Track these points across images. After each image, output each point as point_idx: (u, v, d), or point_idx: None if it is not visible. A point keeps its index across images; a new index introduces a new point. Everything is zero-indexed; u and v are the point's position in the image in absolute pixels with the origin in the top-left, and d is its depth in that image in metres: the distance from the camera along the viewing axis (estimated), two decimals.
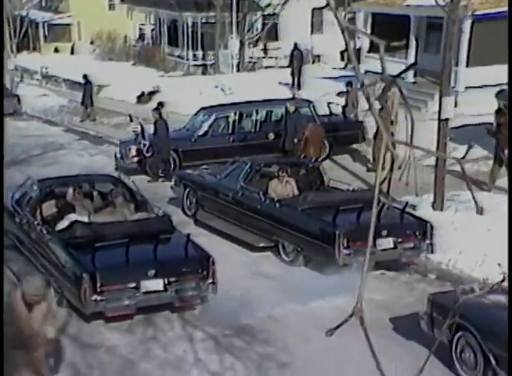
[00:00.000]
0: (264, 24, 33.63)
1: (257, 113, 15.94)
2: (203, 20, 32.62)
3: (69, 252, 8.39)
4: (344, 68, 27.17)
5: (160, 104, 15.60)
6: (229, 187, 11.44)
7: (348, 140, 16.10)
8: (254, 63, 32.43)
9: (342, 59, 30.66)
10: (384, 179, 12.48)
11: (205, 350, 7.63)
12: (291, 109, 14.94)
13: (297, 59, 25.74)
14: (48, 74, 32.96)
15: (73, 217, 9.07)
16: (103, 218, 9.31)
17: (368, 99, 3.19)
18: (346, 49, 23.21)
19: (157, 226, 9.09)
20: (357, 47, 22.46)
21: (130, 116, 16.78)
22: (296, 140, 14.51)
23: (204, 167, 13.20)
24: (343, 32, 2.98)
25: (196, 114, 16.22)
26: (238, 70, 29.94)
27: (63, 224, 8.94)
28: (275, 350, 7.69)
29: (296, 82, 25.33)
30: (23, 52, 41.77)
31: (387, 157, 11.85)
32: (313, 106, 16.10)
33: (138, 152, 14.97)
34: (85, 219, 9.15)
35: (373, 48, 21.42)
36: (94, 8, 41.76)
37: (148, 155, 14.80)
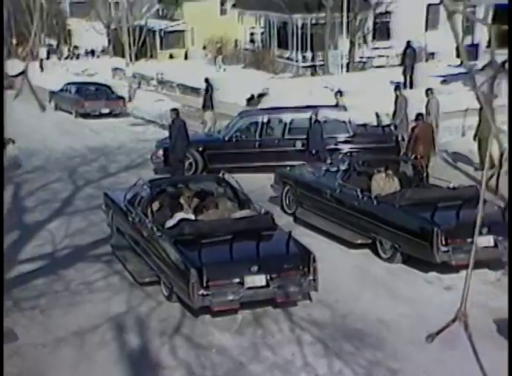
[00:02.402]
0: (375, 23, 33.13)
1: (286, 120, 15.56)
2: (313, 21, 32.58)
3: (177, 249, 8.65)
4: (459, 65, 26.21)
5: (175, 110, 15.70)
6: (328, 185, 11.53)
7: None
8: (364, 62, 32.00)
9: (458, 56, 29.58)
10: (492, 176, 11.95)
11: (314, 354, 7.57)
12: (314, 116, 14.78)
13: (410, 58, 25.14)
14: (164, 79, 34.14)
15: (180, 215, 9.37)
16: (209, 216, 9.59)
17: (478, 99, 3.04)
18: (459, 45, 22.40)
19: (260, 224, 9.31)
20: (475, 43, 21.61)
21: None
22: (405, 138, 14.17)
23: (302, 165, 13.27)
24: (453, 28, 2.85)
25: (235, 118, 16.36)
26: (347, 71, 29.68)
27: (171, 222, 9.24)
28: (385, 356, 7.52)
29: (408, 81, 24.75)
30: (141, 59, 43.55)
31: (494, 151, 11.25)
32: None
33: (165, 151, 15.38)
34: (192, 217, 9.46)
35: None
36: (207, 14, 42.81)
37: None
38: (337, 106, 17.00)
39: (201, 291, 8.04)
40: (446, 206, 9.82)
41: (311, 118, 14.98)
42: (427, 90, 16.11)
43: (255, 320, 8.46)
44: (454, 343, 6.67)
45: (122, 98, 26.96)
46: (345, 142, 15.23)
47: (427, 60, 31.35)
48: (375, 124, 16.27)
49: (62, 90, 28.76)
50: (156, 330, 8.23)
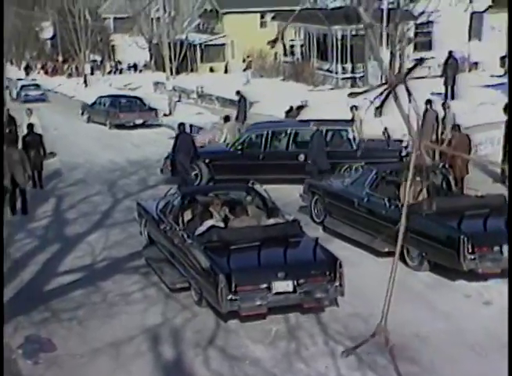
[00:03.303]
0: (416, 33, 32.84)
1: (291, 133, 15.77)
2: (353, 33, 32.45)
3: (207, 255, 8.87)
4: (503, 75, 25.79)
5: (182, 124, 16.17)
6: (355, 194, 11.69)
7: None
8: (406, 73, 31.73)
9: (502, 65, 29.10)
10: None
11: (347, 367, 7.46)
12: (313, 129, 14.82)
13: (452, 68, 24.77)
14: (203, 92, 34.47)
15: (210, 222, 9.61)
16: (237, 223, 9.79)
17: None
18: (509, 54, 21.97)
19: (287, 231, 9.48)
20: None
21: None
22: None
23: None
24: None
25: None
26: (387, 82, 29.44)
27: (201, 229, 9.47)
28: (421, 370, 7.39)
29: (449, 92, 24.42)
30: (182, 73, 44.09)
31: None
32: (352, 128, 15.80)
33: (172, 163, 15.84)
34: (221, 225, 9.68)
35: None
36: (247, 27, 43.14)
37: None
38: (350, 121, 16.95)
39: (230, 296, 8.21)
40: (473, 214, 9.80)
41: (316, 131, 15.09)
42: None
43: (289, 333, 8.43)
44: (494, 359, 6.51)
45: (154, 109, 28.17)
46: (347, 156, 15.14)
47: (470, 70, 30.91)
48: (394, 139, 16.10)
49: (94, 103, 29.94)
50: (190, 342, 8.27)
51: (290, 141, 15.81)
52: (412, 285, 9.78)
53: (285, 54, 37.21)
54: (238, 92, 23.76)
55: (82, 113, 30.45)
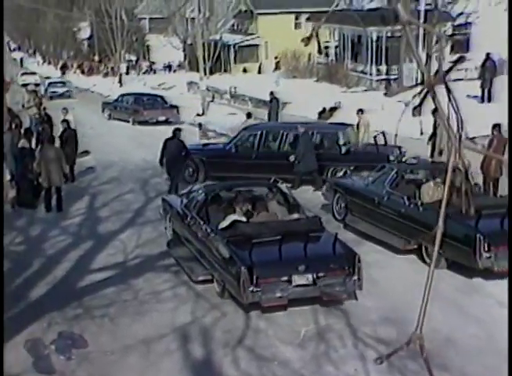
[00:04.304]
0: (454, 34, 32.44)
1: (283, 134, 16.15)
2: (388, 34, 32.24)
3: (229, 248, 9.12)
4: None
5: (178, 129, 16.06)
6: (376, 192, 11.93)
7: None
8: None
9: None
10: None
11: (377, 371, 7.40)
12: (300, 130, 15.20)
13: (489, 71, 24.41)
14: (236, 93, 34.57)
15: (233, 217, 9.86)
16: (259, 218, 10.05)
17: None
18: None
19: (308, 226, 9.76)
20: None
21: (200, 125, 18.05)
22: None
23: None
24: None
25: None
26: (422, 83, 29.14)
27: (224, 223, 9.74)
28: None
29: (486, 94, 24.09)
30: (215, 73, 44.28)
31: None
32: (353, 129, 16.40)
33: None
34: (244, 219, 9.90)
35: None
36: (281, 27, 43.12)
37: None
38: (348, 125, 17.17)
39: (251, 288, 8.47)
40: (491, 214, 9.93)
41: (304, 133, 15.50)
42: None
43: (318, 334, 8.40)
44: None
45: (175, 107, 29.23)
46: (336, 159, 15.59)
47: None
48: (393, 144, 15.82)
49: (116, 101, 31.17)
50: (219, 341, 8.29)
51: (282, 142, 16.27)
52: (442, 289, 9.66)
53: (319, 52, 37.02)
54: (271, 93, 23.79)
55: (103, 111, 31.33)
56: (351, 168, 15.08)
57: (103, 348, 8.17)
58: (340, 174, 15.14)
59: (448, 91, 2.90)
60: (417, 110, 21.61)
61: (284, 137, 16.21)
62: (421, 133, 20.84)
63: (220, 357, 7.92)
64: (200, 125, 20.52)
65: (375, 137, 16.03)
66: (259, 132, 16.53)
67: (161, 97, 30.83)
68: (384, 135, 16.15)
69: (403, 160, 15.00)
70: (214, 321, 8.87)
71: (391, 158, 14.96)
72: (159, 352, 8.06)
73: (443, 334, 8.23)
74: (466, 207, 10.27)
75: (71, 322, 8.90)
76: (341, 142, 15.78)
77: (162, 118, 28.11)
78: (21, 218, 14.09)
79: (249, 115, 20.58)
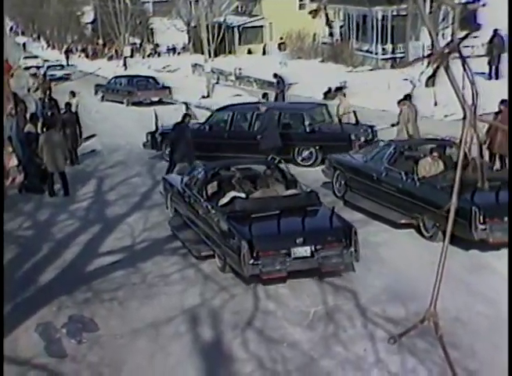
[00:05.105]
0: (461, 12, 32.08)
1: (253, 114, 16.42)
2: (394, 13, 31.97)
3: (230, 224, 9.37)
4: None
5: (188, 115, 16.31)
6: (374, 168, 12.12)
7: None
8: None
9: None
10: None
11: (386, 350, 7.41)
12: (262, 109, 15.49)
13: (497, 47, 24.12)
14: (242, 74, 34.41)
15: (232, 194, 10.11)
16: (258, 194, 10.28)
17: None
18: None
19: (305, 201, 10.02)
20: None
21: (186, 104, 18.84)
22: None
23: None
24: None
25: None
26: (428, 63, 28.91)
27: (224, 200, 10.01)
28: (462, 355, 7.28)
29: (493, 72, 23.86)
30: (220, 55, 44.06)
31: None
32: (326, 108, 16.88)
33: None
34: (243, 196, 10.13)
35: None
36: (285, 8, 42.79)
37: None
38: (320, 104, 17.90)
39: (251, 261, 8.73)
40: (490, 187, 9.91)
41: (267, 111, 15.84)
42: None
43: (327, 315, 8.41)
44: None
45: (168, 87, 30.37)
46: (301, 138, 16.01)
47: None
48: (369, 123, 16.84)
49: (109, 83, 32.30)
50: (228, 323, 8.31)
51: (252, 122, 16.57)
52: (450, 267, 9.63)
53: (327, 25, 36.70)
54: (275, 75, 23.70)
55: (96, 93, 31.92)
56: (317, 147, 15.59)
57: (113, 332, 8.20)
58: (307, 153, 15.85)
59: (463, 60, 2.84)
60: (431, 80, 21.57)
61: (254, 117, 16.50)
62: (435, 104, 20.78)
63: (229, 339, 7.94)
64: (186, 106, 20.88)
65: (340, 117, 16.77)
66: (230, 113, 17.05)
67: (153, 78, 31.90)
68: (355, 114, 16.67)
69: (373, 139, 15.70)
70: (223, 303, 8.89)
71: (352, 138, 15.46)
72: (168, 335, 8.09)
73: (451, 312, 8.22)
74: (482, 181, 10.35)
75: (81, 305, 8.94)
76: (306, 121, 16.10)
77: (155, 99, 29.01)
78: (29, 203, 14.13)
79: (265, 95, 20.74)
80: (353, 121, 16.55)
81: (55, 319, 8.51)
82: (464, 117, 2.85)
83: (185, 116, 15.80)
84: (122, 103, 30.07)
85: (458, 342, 7.57)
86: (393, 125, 15.96)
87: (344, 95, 18.96)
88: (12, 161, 14.99)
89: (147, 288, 9.48)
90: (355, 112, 16.74)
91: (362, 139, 15.66)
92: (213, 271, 9.90)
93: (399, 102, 15.86)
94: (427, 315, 2.92)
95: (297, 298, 8.88)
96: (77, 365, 7.53)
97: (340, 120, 16.73)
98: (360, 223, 10.37)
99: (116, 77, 32.86)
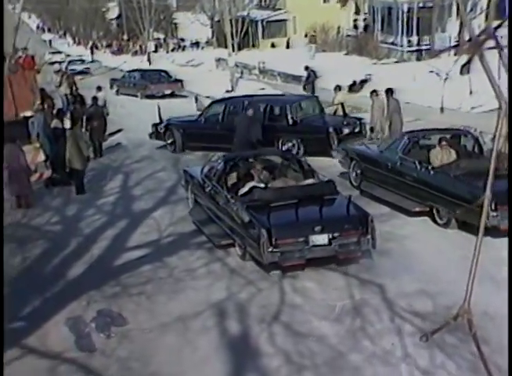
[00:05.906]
0: (489, 1, 31.62)
1: (242, 107, 16.67)
2: (420, 5, 31.67)
3: (249, 213, 9.61)
4: None
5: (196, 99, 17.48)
6: (389, 158, 12.35)
7: (314, 145, 15.92)
8: None
9: None
10: None
11: (414, 345, 7.36)
12: (250, 113, 15.59)
13: None
14: (265, 68, 34.36)
15: (252, 183, 10.38)
16: (277, 184, 10.56)
17: None
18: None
19: (323, 190, 10.23)
20: None
21: (196, 97, 19.58)
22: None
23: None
24: None
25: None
26: (455, 54, 28.59)
27: (243, 190, 10.30)
28: (491, 351, 7.20)
29: None
30: (243, 49, 44.04)
31: None
32: (317, 100, 17.48)
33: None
34: (262, 185, 10.41)
35: None
36: (309, 2, 42.62)
37: None
38: (309, 96, 18.67)
39: (270, 249, 8.98)
40: (499, 175, 9.95)
41: (249, 103, 16.25)
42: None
43: (354, 309, 8.38)
44: None
45: (180, 80, 31.32)
46: (282, 130, 16.43)
47: None
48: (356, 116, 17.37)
49: (123, 77, 33.13)
50: (255, 317, 8.32)
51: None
52: (482, 263, 9.53)
53: (356, 13, 36.48)
54: (307, 68, 23.75)
55: (111, 87, 32.54)
56: (299, 139, 16.09)
57: (141, 326, 8.24)
58: (290, 144, 16.24)
59: (500, 48, 2.80)
60: (466, 67, 21.36)
61: (245, 110, 16.63)
62: (470, 92, 20.55)
63: (256, 333, 7.94)
64: (196, 98, 21.35)
65: (322, 109, 17.14)
66: (223, 105, 17.53)
67: (166, 72, 32.73)
68: (342, 107, 17.06)
69: (361, 132, 16.23)
70: (250, 297, 8.90)
71: (330, 130, 15.77)
72: (196, 329, 8.12)
73: (481, 306, 8.13)
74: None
75: (109, 300, 9.01)
76: (289, 114, 16.43)
77: (168, 91, 30.19)
78: (56, 198, 14.29)
79: (304, 88, 21.59)
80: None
81: (84, 313, 8.60)
82: (500, 108, 2.81)
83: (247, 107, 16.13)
84: (136, 96, 30.91)
85: (487, 337, 7.49)
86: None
87: (340, 89, 19.57)
88: (39, 157, 15.17)
89: (174, 283, 9.52)
90: (342, 104, 17.23)
91: (346, 131, 16.10)
92: (239, 265, 9.92)
93: (371, 93, 16.50)
94: (461, 312, 2.90)
95: (324, 292, 8.87)
96: (106, 359, 7.58)
97: (335, 112, 17.35)
98: (386, 217, 10.31)
99: (129, 71, 33.63)
